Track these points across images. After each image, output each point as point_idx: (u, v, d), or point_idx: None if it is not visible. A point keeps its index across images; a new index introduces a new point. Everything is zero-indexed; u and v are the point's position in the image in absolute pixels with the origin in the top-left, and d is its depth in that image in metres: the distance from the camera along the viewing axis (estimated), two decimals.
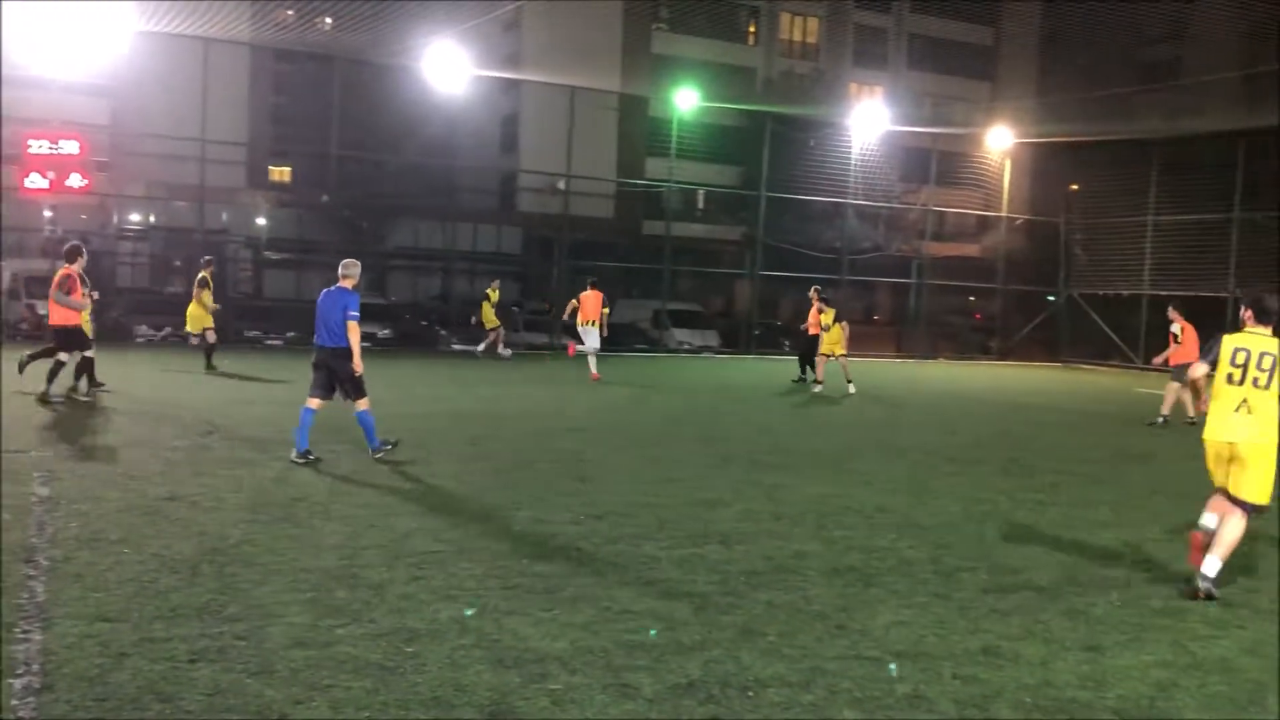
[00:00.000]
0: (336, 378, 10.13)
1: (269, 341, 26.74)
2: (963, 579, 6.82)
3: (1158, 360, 17.95)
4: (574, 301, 20.44)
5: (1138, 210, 32.43)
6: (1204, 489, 10.75)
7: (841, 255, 32.70)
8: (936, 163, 33.92)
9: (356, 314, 9.97)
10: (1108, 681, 5.07)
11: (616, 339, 29.84)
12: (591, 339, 19.83)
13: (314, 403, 10.16)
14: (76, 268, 13.43)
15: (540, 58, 39.66)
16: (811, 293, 21.03)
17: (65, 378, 13.68)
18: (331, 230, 29.31)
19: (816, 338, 20.12)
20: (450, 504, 8.38)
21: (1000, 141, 34.54)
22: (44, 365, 13.58)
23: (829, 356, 19.51)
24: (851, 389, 19.08)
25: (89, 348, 13.71)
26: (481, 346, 24.95)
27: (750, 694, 4.71)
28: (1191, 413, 16.86)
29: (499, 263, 41.18)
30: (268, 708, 4.37)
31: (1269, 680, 5.19)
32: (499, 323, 24.93)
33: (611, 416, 14.75)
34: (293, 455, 9.94)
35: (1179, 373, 16.74)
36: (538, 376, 20.78)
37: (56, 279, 13.41)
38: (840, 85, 48.49)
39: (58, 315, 13.37)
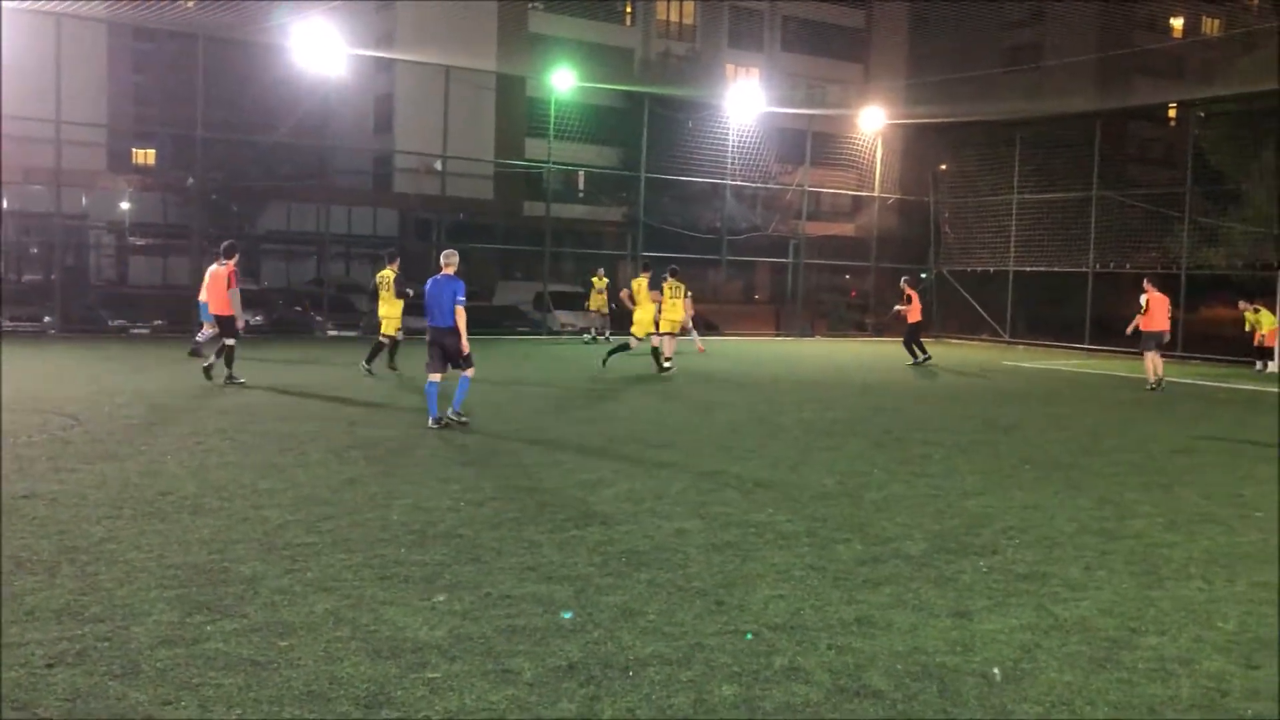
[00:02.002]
0: (448, 353, 11.72)
1: (135, 330, 25.75)
2: (838, 551, 6.98)
3: (1129, 330, 19.03)
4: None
5: (1002, 189, 33.58)
6: (1067, 457, 11.26)
7: (721, 235, 33.02)
8: (811, 143, 34.48)
9: (463, 299, 11.60)
10: (975, 646, 5.25)
11: (498, 322, 29.66)
12: None
13: (435, 377, 11.78)
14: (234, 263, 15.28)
15: (415, 36, 39.01)
16: (903, 283, 23.49)
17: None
18: (199, 214, 28.28)
19: (918, 324, 22.93)
20: (326, 494, 8.20)
21: (872, 122, 35.29)
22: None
23: (672, 334, 19.73)
24: (669, 366, 19.19)
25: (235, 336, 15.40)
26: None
27: (630, 673, 4.73)
28: (1152, 380, 18.26)
29: (375, 245, 40.43)
30: (132, 710, 4.22)
31: (1124, 638, 5.45)
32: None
33: (494, 401, 14.63)
34: (429, 423, 11.61)
35: (1146, 340, 18.14)
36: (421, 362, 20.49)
37: (226, 274, 15.09)
38: (717, 66, 48.86)
39: (224, 306, 15.13)
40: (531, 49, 45.56)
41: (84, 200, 33.26)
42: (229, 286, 15.11)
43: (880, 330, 35.94)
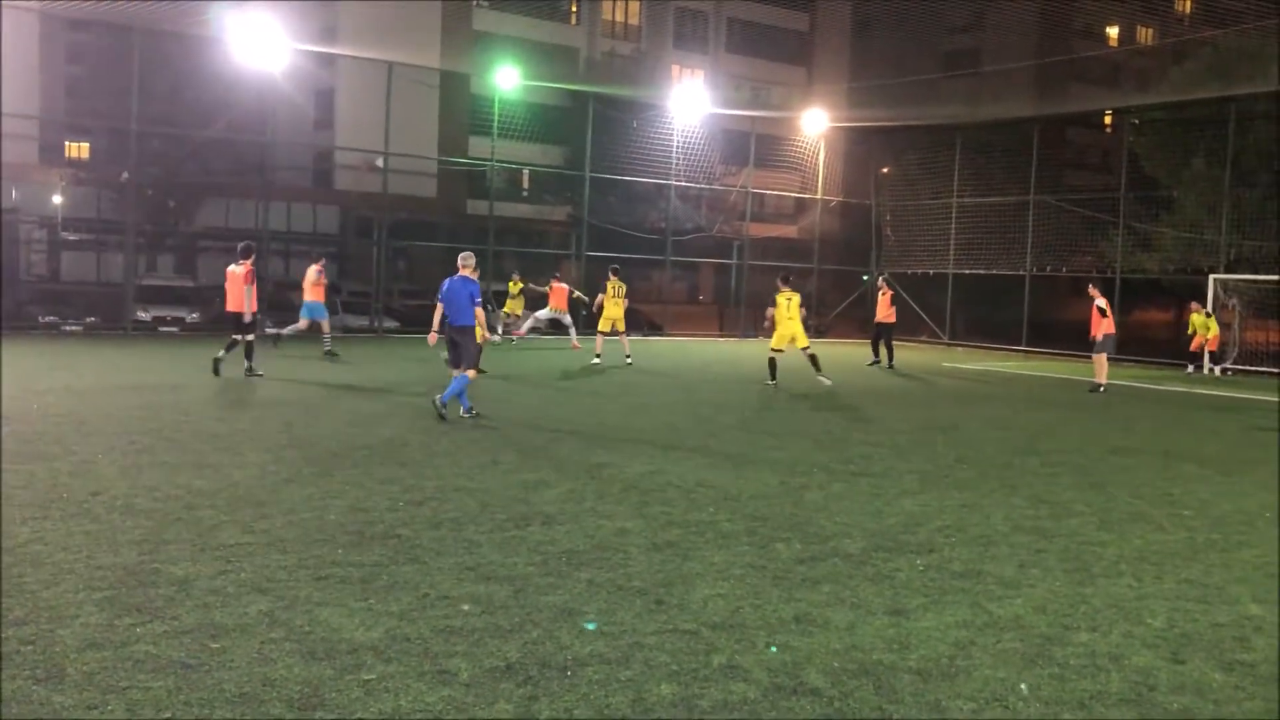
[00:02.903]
0: (459, 348, 12.36)
1: (67, 328, 25.17)
2: (778, 549, 7.01)
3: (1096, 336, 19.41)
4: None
5: (943, 193, 34.03)
6: (1003, 457, 11.44)
7: (666, 236, 33.07)
8: (755, 145, 34.66)
9: (479, 299, 12.39)
10: (911, 643, 5.30)
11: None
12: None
13: (454, 371, 12.49)
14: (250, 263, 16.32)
15: (357, 32, 38.56)
16: (880, 281, 23.49)
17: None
18: (134, 209, 27.70)
19: (889, 325, 22.80)
20: (261, 494, 8.07)
21: (815, 125, 35.56)
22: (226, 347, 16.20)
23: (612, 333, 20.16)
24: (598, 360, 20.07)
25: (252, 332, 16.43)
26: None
27: (568, 673, 4.71)
28: (1100, 380, 18.63)
29: (315, 243, 39.91)
30: (57, 714, 4.11)
31: (1056, 634, 5.53)
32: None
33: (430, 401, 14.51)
34: (461, 413, 12.39)
35: (1103, 344, 18.47)
36: (361, 361, 20.26)
37: (244, 273, 16.13)
38: (662, 67, 48.91)
39: (240, 303, 16.11)
40: (476, 46, 45.27)
41: (14, 193, 32.46)
42: (246, 284, 16.11)
43: (822, 332, 36.24)
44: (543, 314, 24.13)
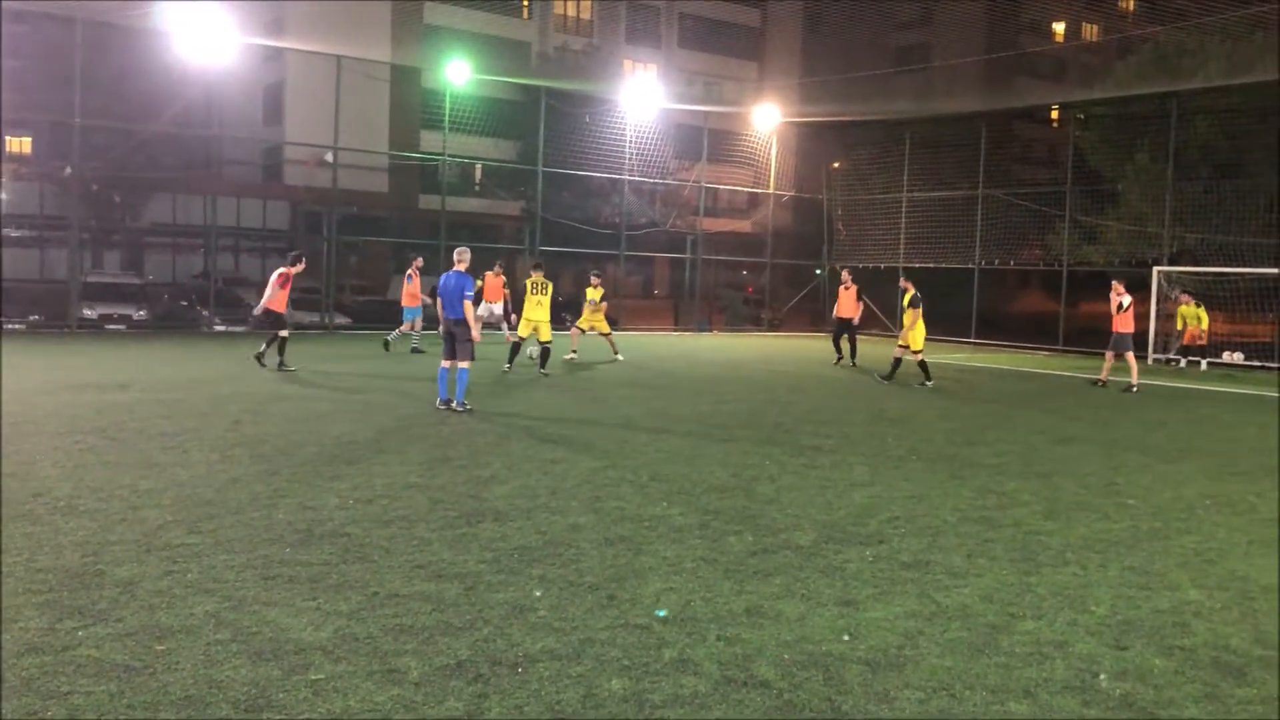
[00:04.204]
0: (455, 342, 12.78)
1: (10, 326, 24.68)
2: (730, 543, 7.04)
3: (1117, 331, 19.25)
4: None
5: (893, 187, 34.35)
6: (952, 448, 11.56)
7: (620, 231, 33.07)
8: (708, 140, 34.75)
9: (471, 294, 12.74)
10: (860, 633, 5.35)
11: (392, 316, 29.20)
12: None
13: (446, 363, 13.04)
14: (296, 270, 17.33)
15: (306, 25, 38.11)
16: (844, 275, 22.51)
17: None
18: (78, 204, 27.21)
19: (852, 321, 22.00)
20: (208, 494, 7.97)
21: (768, 120, 35.71)
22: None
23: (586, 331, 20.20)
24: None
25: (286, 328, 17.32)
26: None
27: (519, 670, 4.70)
28: (1101, 377, 18.72)
29: (264, 238, 39.47)
30: None
31: (1002, 623, 5.61)
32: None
33: (385, 398, 14.41)
34: (437, 404, 13.02)
35: (1118, 341, 18.46)
36: (311, 359, 20.06)
37: (284, 274, 17.10)
38: (614, 62, 48.86)
39: (272, 302, 16.98)
40: (427, 40, 44.94)
41: None
42: (281, 285, 16.98)
43: (775, 325, 36.43)
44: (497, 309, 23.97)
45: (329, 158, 29.25)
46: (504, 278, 22.85)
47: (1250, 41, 29.68)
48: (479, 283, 21.65)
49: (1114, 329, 18.83)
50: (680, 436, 11.68)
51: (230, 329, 26.97)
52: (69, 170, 26.41)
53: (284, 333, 17.14)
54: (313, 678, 4.55)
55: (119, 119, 31.36)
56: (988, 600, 6.00)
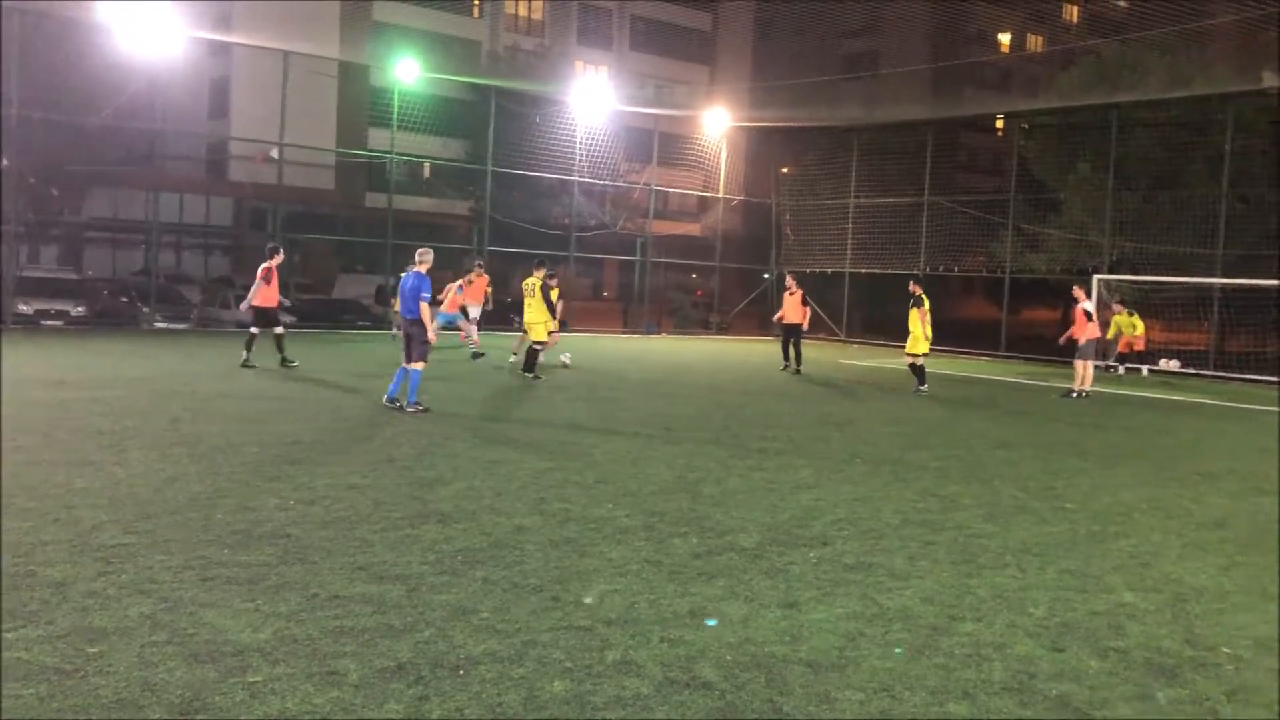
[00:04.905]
0: (410, 342, 12.69)
1: None
2: (674, 545, 7.05)
3: (1064, 339, 19.42)
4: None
5: (840, 193, 34.65)
6: (895, 452, 11.67)
7: (569, 232, 33.01)
8: (659, 143, 34.82)
9: (427, 296, 12.73)
10: (803, 635, 5.38)
11: (337, 316, 28.92)
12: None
13: (405, 363, 12.88)
14: (275, 262, 17.13)
15: (253, 20, 37.61)
16: (789, 280, 22.01)
17: None
18: (14, 198, 26.60)
19: (799, 326, 21.55)
20: (146, 493, 7.82)
21: (718, 124, 35.86)
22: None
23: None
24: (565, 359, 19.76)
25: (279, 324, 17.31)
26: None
27: (461, 672, 4.67)
28: (1077, 386, 18.74)
29: (207, 235, 38.91)
30: None
31: (943, 625, 5.67)
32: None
33: (329, 399, 14.26)
34: (383, 400, 13.01)
35: (1084, 350, 18.55)
36: (254, 357, 19.78)
37: (262, 269, 16.96)
38: (565, 63, 48.80)
39: (259, 298, 16.95)
40: (376, 37, 44.56)
41: None
42: (265, 280, 16.88)
43: (723, 329, 36.58)
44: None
45: (274, 154, 28.88)
46: (487, 277, 22.52)
47: (1188, 56, 30.36)
48: (466, 281, 21.34)
49: (1080, 336, 18.95)
50: (627, 438, 11.68)
51: (172, 326, 26.53)
52: (4, 162, 25.80)
53: (277, 330, 17.10)
54: (250, 680, 4.48)
55: (58, 111, 30.69)
56: (929, 602, 6.07)
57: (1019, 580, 6.62)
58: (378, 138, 34.73)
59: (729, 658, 5.00)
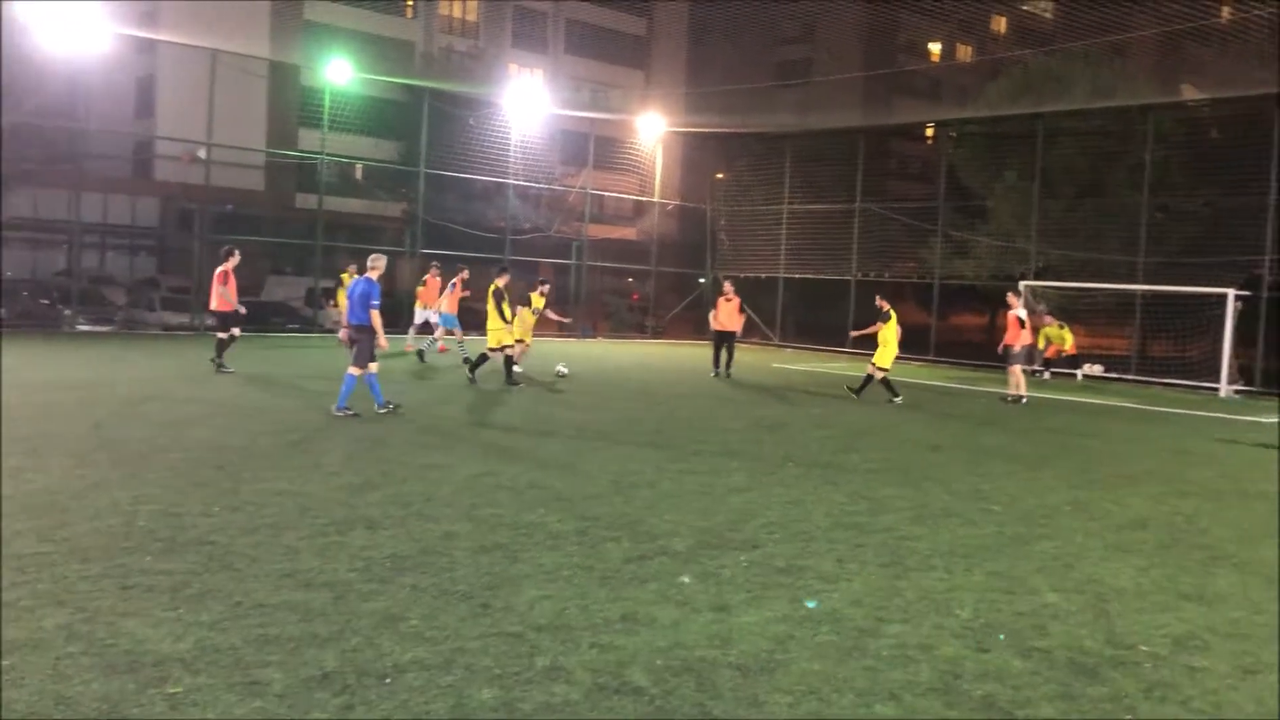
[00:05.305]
0: (356, 346, 12.76)
1: None
2: (607, 549, 7.03)
3: (1001, 347, 19.53)
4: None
5: (774, 199, 34.95)
6: (827, 455, 11.78)
7: (504, 235, 32.84)
8: (594, 147, 34.81)
9: (377, 302, 12.63)
10: (733, 639, 5.40)
11: (267, 318, 28.44)
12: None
13: (371, 368, 12.93)
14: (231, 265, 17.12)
15: (180, 18, 36.86)
16: (726, 286, 21.71)
17: None
18: None
19: (730, 333, 21.24)
20: (64, 500, 7.61)
21: (653, 129, 35.95)
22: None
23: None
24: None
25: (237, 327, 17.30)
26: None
27: (388, 681, 4.61)
28: (1015, 391, 18.94)
29: (132, 235, 38.09)
30: None
31: (871, 627, 5.72)
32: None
33: (258, 403, 14.01)
34: (377, 409, 12.92)
35: (1017, 355, 18.75)
36: (181, 360, 19.39)
37: (218, 273, 17.03)
38: (500, 65, 48.56)
39: (217, 302, 17.03)
40: (307, 37, 43.95)
41: None
42: (222, 283, 16.92)
43: (659, 333, 36.65)
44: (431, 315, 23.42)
45: (202, 154, 28.33)
46: (461, 281, 21.79)
47: (1111, 68, 31.12)
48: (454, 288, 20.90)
49: (1013, 343, 19.26)
50: (561, 442, 11.65)
51: (95, 329, 25.90)
52: None
53: (231, 332, 17.11)
54: (170, 691, 4.38)
55: None
56: (857, 604, 6.12)
57: (946, 582, 6.72)
58: (309, 138, 34.22)
59: (659, 662, 5.00)
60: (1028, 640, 5.64)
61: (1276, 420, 18.78)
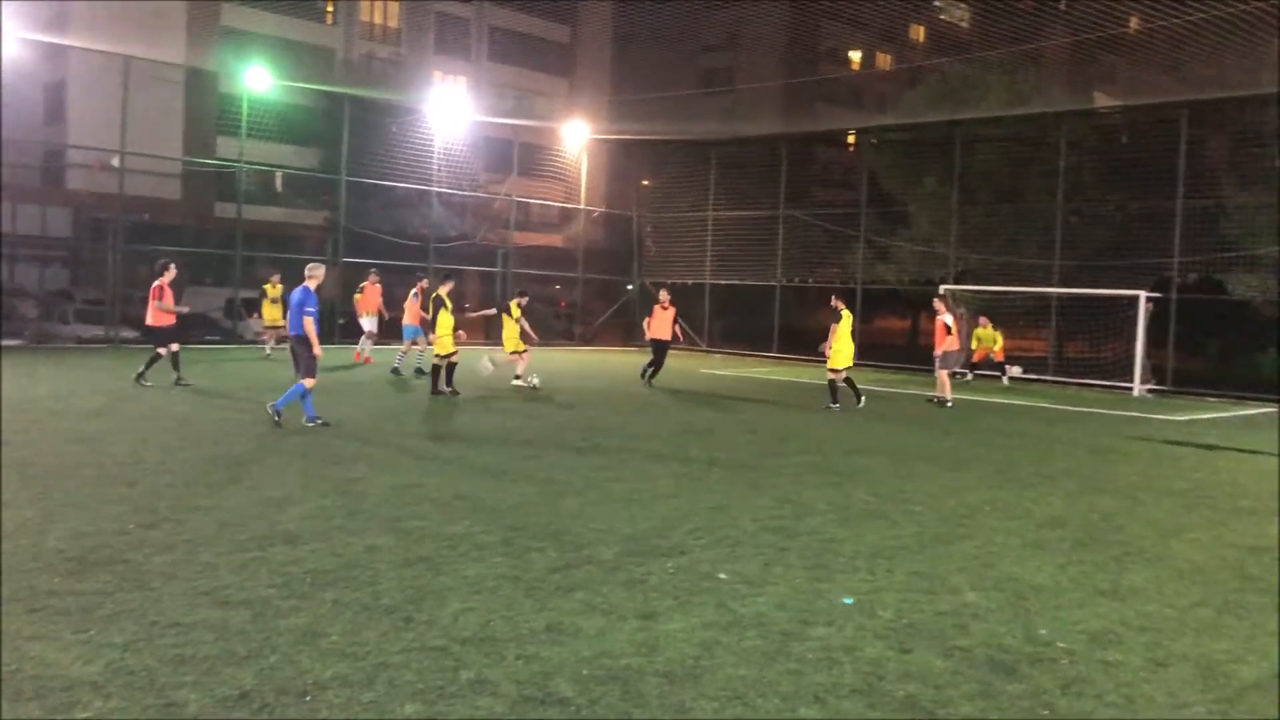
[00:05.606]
0: (295, 357, 12.66)
1: None
2: (533, 559, 6.99)
3: (937, 352, 19.52)
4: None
5: (699, 206, 35.16)
6: (753, 459, 11.85)
7: (428, 243, 32.55)
8: (519, 154, 34.68)
9: (312, 311, 12.63)
10: (659, 646, 5.39)
11: (186, 329, 27.77)
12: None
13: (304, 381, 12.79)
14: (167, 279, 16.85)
15: (92, 22, 35.96)
16: (662, 294, 21.25)
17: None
18: None
19: (665, 342, 20.87)
20: None
21: (578, 136, 35.93)
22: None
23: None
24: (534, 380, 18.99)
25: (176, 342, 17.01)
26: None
27: (308, 698, 4.52)
28: (942, 394, 19.10)
29: (43, 246, 37.02)
30: None
31: (795, 630, 5.76)
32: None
33: (176, 416, 13.69)
34: (304, 422, 12.77)
35: (946, 360, 18.89)
36: (94, 373, 18.86)
37: (153, 288, 16.77)
38: (423, 72, 48.18)
39: (154, 317, 16.82)
40: (224, 43, 43.15)
41: None
42: (157, 298, 16.66)
43: (587, 340, 36.60)
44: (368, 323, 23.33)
45: (115, 162, 27.65)
46: (421, 290, 20.76)
47: (1025, 76, 31.82)
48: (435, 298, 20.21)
49: (942, 347, 19.49)
50: (489, 452, 11.56)
51: (4, 343, 25.07)
52: None
53: (163, 349, 16.81)
54: (79, 716, 4.25)
55: None
56: (782, 608, 6.16)
57: (869, 583, 6.79)
58: (227, 146, 33.59)
59: (585, 672, 4.98)
60: (949, 639, 5.72)
61: (1187, 418, 19.37)
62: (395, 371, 20.76)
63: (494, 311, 20.03)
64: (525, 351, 18.97)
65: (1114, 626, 6.09)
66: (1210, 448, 15.01)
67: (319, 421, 12.86)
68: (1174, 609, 6.52)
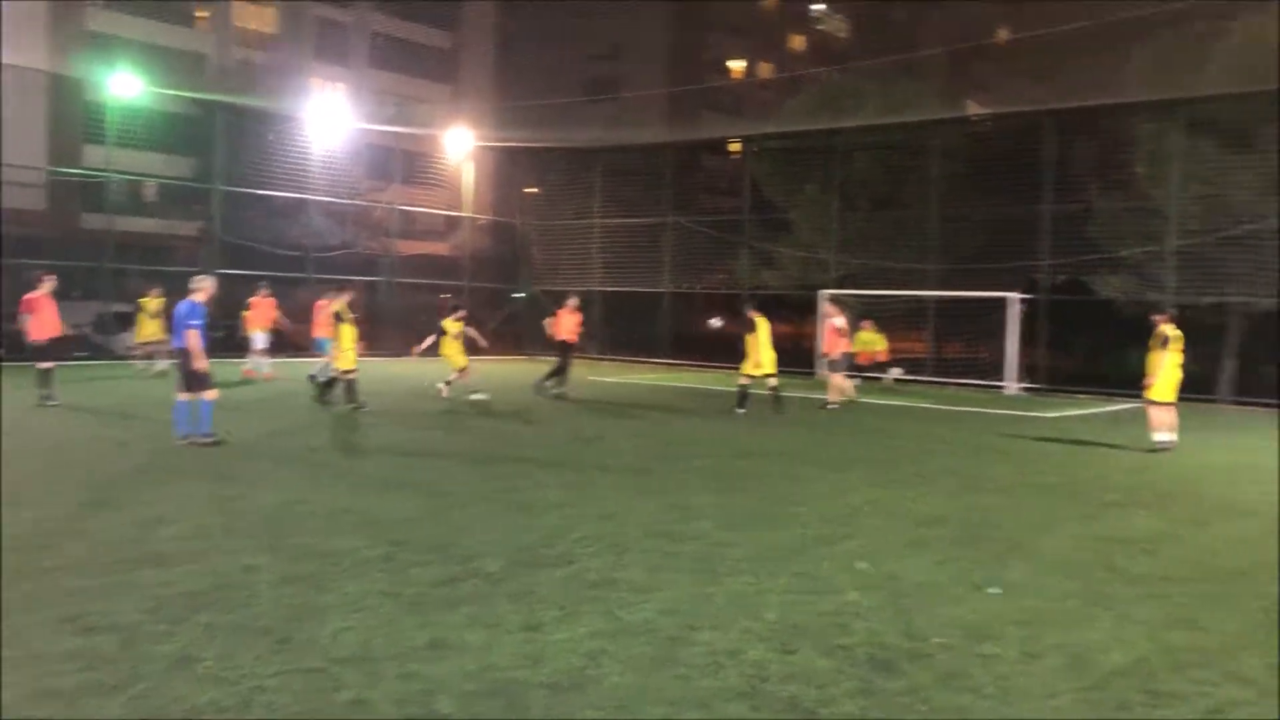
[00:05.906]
0: (183, 373, 12.32)
1: None
2: (416, 574, 6.87)
3: (831, 355, 19.74)
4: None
5: (585, 213, 35.18)
6: (642, 464, 11.88)
7: (308, 253, 31.84)
8: (401, 162, 34.22)
9: (197, 323, 12.34)
10: (545, 657, 5.35)
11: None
12: None
13: (181, 396, 12.42)
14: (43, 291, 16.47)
15: None
16: (572, 300, 21.14)
17: None
18: None
19: (570, 345, 20.56)
20: None
21: (462, 143, 35.62)
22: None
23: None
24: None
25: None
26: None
27: None
28: (834, 397, 19.23)
29: None
30: None
31: (682, 635, 5.78)
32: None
33: (38, 434, 13.10)
34: (175, 440, 12.27)
35: (837, 363, 19.04)
36: None
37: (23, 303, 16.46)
38: (301, 79, 47.19)
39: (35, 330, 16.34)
40: (90, 48, 41.56)
41: None
42: (28, 312, 16.31)
43: (475, 349, 36.24)
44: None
45: None
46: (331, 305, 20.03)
47: (902, 85, 32.69)
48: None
49: (832, 351, 19.88)
50: (375, 464, 11.37)
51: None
52: None
53: (43, 364, 16.30)
54: None
55: None
56: (669, 614, 6.17)
57: (754, 586, 6.86)
58: (94, 154, 32.36)
59: (468, 687, 4.91)
60: (831, 639, 5.81)
61: (1058, 415, 20.11)
62: (317, 380, 19.52)
63: (434, 339, 19.65)
64: (465, 367, 18.90)
65: (990, 620, 6.26)
66: (1080, 443, 15.59)
67: (210, 439, 12.28)
68: (1049, 601, 6.73)
